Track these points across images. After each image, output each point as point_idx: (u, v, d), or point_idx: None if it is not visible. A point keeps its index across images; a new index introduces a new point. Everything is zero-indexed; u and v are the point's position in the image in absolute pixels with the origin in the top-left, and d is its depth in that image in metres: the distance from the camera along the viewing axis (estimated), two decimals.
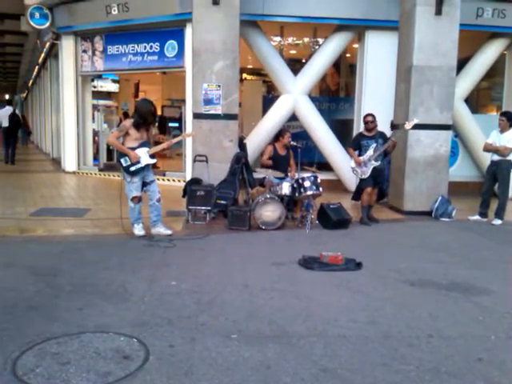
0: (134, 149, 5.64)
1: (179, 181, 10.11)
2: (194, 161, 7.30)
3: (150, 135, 5.91)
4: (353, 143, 7.37)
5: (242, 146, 7.86)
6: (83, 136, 11.98)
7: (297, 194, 6.66)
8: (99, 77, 12.50)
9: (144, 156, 5.67)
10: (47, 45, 13.49)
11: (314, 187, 6.57)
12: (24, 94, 34.91)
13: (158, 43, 10.56)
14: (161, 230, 5.90)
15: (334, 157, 10.09)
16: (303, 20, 9.68)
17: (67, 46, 11.64)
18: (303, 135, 10.37)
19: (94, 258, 4.97)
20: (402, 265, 4.99)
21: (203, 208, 6.66)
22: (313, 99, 10.44)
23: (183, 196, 6.89)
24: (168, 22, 9.85)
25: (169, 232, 5.90)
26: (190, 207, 6.67)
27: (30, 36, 15.29)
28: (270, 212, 6.42)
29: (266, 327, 3.34)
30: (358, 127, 9.67)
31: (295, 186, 6.66)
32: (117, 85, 14.98)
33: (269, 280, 4.38)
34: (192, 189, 6.71)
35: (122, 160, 5.64)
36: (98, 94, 14.18)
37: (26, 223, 6.28)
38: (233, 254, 5.32)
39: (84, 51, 11.60)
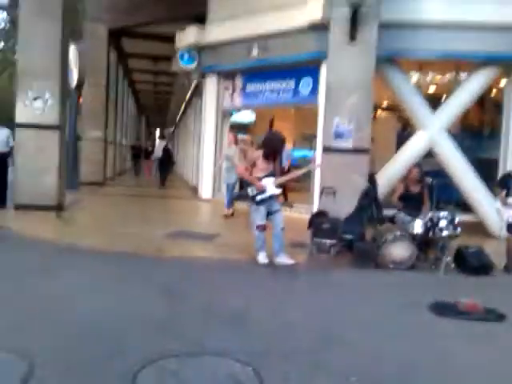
0: (260, 179, 5.79)
1: (306, 213, 10.09)
2: (322, 193, 7.25)
3: (276, 166, 6.02)
4: (500, 181, 6.70)
5: (372, 181, 7.61)
6: (220, 166, 12.69)
7: (431, 234, 6.18)
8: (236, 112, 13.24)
9: (270, 186, 5.79)
10: (193, 84, 14.75)
11: (451, 227, 6.05)
12: (172, 129, 38.48)
13: (293, 80, 10.90)
14: (284, 259, 5.90)
15: (476, 196, 9.26)
16: (444, 56, 9.23)
17: (210, 84, 12.59)
18: (440, 173, 9.73)
19: (220, 281, 5.14)
20: None
21: (328, 241, 6.53)
22: (453, 136, 9.78)
23: (308, 228, 6.83)
24: (304, 61, 10.12)
25: (292, 262, 5.88)
26: (315, 239, 6.58)
27: (179, 76, 16.89)
28: (399, 250, 6.05)
29: (390, 376, 3.07)
30: (505, 166, 8.81)
31: (429, 224, 6.20)
32: (253, 119, 15.77)
33: (395, 324, 4.08)
34: (318, 221, 6.64)
35: (249, 189, 5.83)
36: (235, 128, 15.07)
37: (162, 244, 6.75)
38: (357, 292, 5.08)
39: (225, 89, 12.43)
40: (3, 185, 8.96)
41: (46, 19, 8.54)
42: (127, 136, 26.00)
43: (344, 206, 7.15)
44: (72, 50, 12.79)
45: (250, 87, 11.83)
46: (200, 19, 12.49)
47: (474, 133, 12.82)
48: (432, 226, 6.16)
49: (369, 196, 7.29)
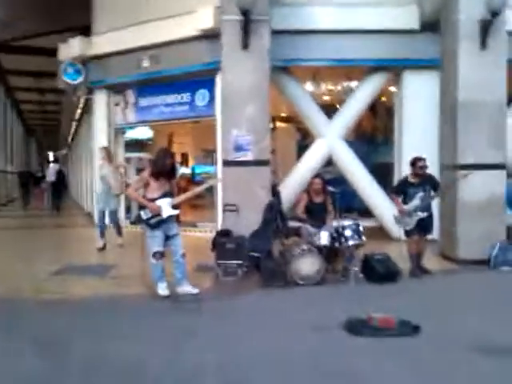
0: (154, 200, 5.21)
1: (211, 231, 9.62)
2: (224, 211, 6.81)
3: (172, 185, 5.49)
4: (396, 188, 6.74)
5: (275, 193, 7.35)
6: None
7: (337, 245, 6.00)
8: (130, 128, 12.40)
9: (166, 207, 5.22)
10: (82, 100, 13.67)
11: (357, 236, 5.93)
12: (65, 151, 36.11)
13: (188, 93, 10.44)
14: (187, 288, 5.33)
15: (375, 202, 9.44)
16: (337, 63, 9.30)
17: (100, 100, 11.70)
18: (341, 181, 9.80)
19: (110, 324, 4.43)
20: (466, 327, 4.23)
21: (234, 262, 6.09)
22: (349, 144, 9.92)
23: (212, 249, 6.34)
24: (198, 72, 9.69)
25: (196, 291, 5.33)
26: (220, 262, 6.12)
27: (67, 93, 15.67)
28: (307, 265, 5.78)
29: None
30: (400, 170, 9.04)
31: (335, 235, 6.03)
32: (150, 136, 15.00)
33: (309, 351, 3.71)
34: (221, 241, 6.18)
35: (142, 212, 5.21)
36: (131, 147, 14.20)
37: (45, 283, 5.86)
38: (267, 317, 4.68)
39: (116, 104, 11.62)
40: None
41: None
42: (13, 162, 23.76)
43: (249, 223, 6.77)
44: None
45: (143, 102, 11.14)
46: (85, 31, 11.61)
47: (369, 139, 13.30)
48: (338, 236, 5.99)
49: (273, 209, 7.00)
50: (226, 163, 7.24)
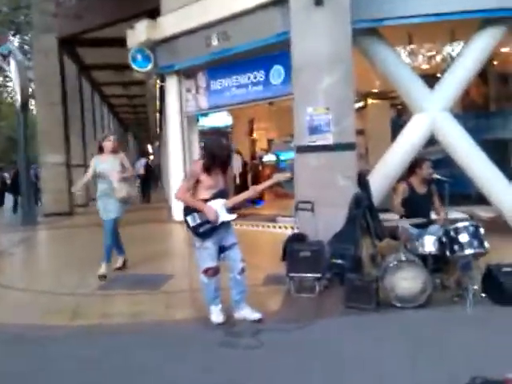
0: (206, 201, 4.08)
1: (292, 228, 8.39)
2: (296, 209, 5.51)
3: (228, 181, 4.33)
4: None
5: (363, 183, 5.92)
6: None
7: (448, 253, 4.45)
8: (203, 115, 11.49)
9: (220, 210, 4.07)
10: (156, 89, 13.05)
11: (476, 243, 4.33)
12: (157, 143, 36.82)
13: (262, 71, 9.24)
14: (246, 313, 4.16)
15: (492, 187, 7.52)
16: (438, 18, 7.48)
17: (171, 86, 10.91)
18: (446, 162, 7.99)
19: (142, 365, 3.41)
20: None
21: (310, 275, 4.80)
22: (456, 117, 8.04)
23: (283, 259, 5.09)
24: (271, 46, 8.42)
25: (257, 317, 4.13)
26: (292, 274, 4.85)
27: (148, 83, 15.21)
28: (407, 281, 4.32)
29: None
30: None
31: (445, 240, 4.48)
32: (229, 123, 14.08)
33: None
34: (294, 249, 4.91)
35: (189, 218, 4.09)
36: (208, 136, 13.40)
37: (86, 301, 5.03)
38: (350, 360, 3.36)
39: (188, 90, 10.75)
40: None
41: None
42: None
43: (330, 223, 5.45)
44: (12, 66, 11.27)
45: (215, 85, 10.15)
46: (153, 14, 10.84)
47: (479, 111, 11.11)
48: (449, 241, 4.44)
49: (361, 204, 5.61)
50: (300, 149, 5.94)
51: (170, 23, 10.12)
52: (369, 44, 7.53)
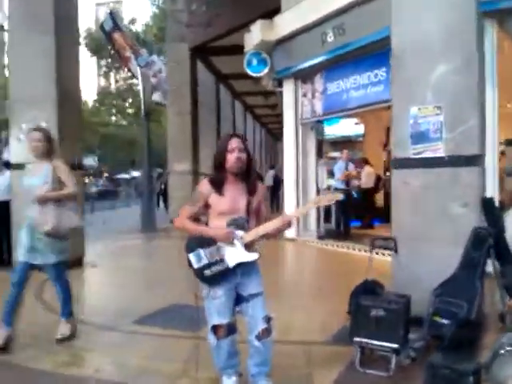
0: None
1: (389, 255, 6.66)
2: (372, 247, 3.98)
3: (254, 203, 2.99)
4: None
5: (491, 213, 4.16)
6: (303, 195, 9.85)
7: None
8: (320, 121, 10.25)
9: (236, 245, 2.90)
10: (278, 94, 12.21)
11: None
12: None
13: (383, 68, 7.75)
14: None
15: None
16: None
17: (287, 91, 9.95)
18: None
19: None
20: None
21: (383, 345, 3.30)
22: None
23: (349, 312, 3.65)
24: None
25: None
26: (357, 339, 3.40)
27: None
28: None
29: None
30: None
31: None
32: (360, 132, 12.62)
33: None
34: (362, 303, 3.45)
35: (192, 256, 2.93)
36: (333, 146, 12.15)
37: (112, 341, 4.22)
38: None
39: (304, 95, 9.68)
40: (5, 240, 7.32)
41: (36, 35, 6.94)
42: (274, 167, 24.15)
43: (437, 262, 3.89)
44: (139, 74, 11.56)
45: (331, 87, 8.92)
46: (273, 15, 10.05)
47: None
48: None
49: (484, 242, 3.92)
50: (399, 163, 4.41)
51: (285, 21, 9.20)
52: (503, 20, 5.60)
